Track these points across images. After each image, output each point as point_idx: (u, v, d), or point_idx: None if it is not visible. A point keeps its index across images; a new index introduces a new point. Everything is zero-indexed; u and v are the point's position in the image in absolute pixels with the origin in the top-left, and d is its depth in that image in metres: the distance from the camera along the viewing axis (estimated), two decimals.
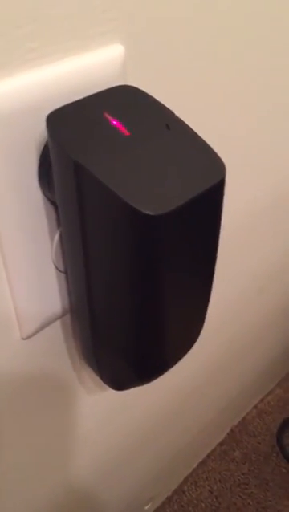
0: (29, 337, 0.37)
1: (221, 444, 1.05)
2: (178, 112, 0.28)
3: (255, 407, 1.13)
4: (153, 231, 0.24)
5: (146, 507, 0.89)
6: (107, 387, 0.39)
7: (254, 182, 0.57)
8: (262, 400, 1.15)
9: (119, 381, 0.37)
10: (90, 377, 0.47)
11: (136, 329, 0.30)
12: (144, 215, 0.22)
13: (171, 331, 0.31)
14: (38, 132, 0.28)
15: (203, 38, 0.37)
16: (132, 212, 0.23)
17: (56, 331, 0.40)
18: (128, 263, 0.26)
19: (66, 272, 0.35)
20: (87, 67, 0.29)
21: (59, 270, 0.35)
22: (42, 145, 0.28)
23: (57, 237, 0.33)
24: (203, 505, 0.96)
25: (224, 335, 0.75)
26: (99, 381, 0.39)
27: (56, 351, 0.41)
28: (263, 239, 0.68)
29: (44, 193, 0.30)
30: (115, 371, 0.35)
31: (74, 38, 0.28)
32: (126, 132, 0.26)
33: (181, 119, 0.28)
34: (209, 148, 0.27)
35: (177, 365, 0.36)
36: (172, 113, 0.28)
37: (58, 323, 0.39)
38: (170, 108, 0.28)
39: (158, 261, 0.26)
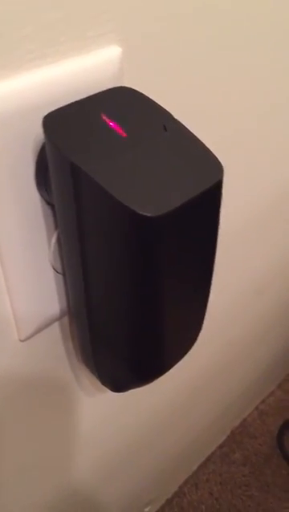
0: (27, 339, 0.37)
1: (221, 446, 1.05)
2: (175, 113, 0.28)
3: (256, 408, 1.13)
4: (151, 233, 0.24)
5: (146, 509, 0.89)
6: (106, 389, 0.38)
7: (253, 183, 0.57)
8: (262, 401, 1.15)
9: (117, 383, 0.37)
10: (88, 379, 0.47)
11: (135, 330, 0.30)
12: (142, 216, 0.22)
13: (169, 333, 0.31)
14: (35, 133, 0.28)
15: (201, 39, 0.37)
16: (129, 213, 0.23)
17: (54, 333, 0.40)
18: (125, 265, 0.26)
19: (63, 274, 0.35)
20: (84, 68, 0.29)
21: (57, 272, 0.35)
22: (39, 147, 0.28)
23: (54, 238, 0.33)
24: (203, 507, 0.96)
25: (224, 336, 0.75)
26: (98, 383, 0.39)
27: (54, 352, 0.41)
28: (261, 240, 0.68)
29: (41, 194, 0.30)
30: (113, 373, 0.35)
31: (71, 39, 0.28)
32: (123, 134, 0.26)
33: (178, 121, 0.28)
34: (207, 149, 0.27)
35: (176, 367, 0.36)
36: (169, 114, 0.28)
37: (56, 325, 0.39)
38: (167, 109, 0.28)
39: (156, 262, 0.26)
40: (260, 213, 0.62)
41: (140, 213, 0.23)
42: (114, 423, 0.59)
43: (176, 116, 0.28)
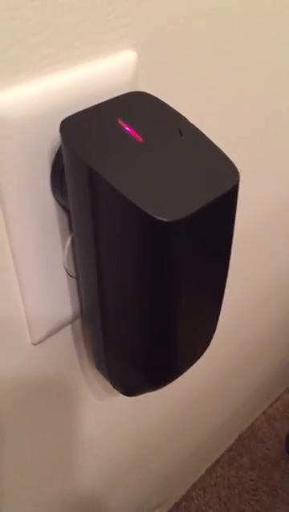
0: (39, 342, 0.37)
1: (229, 450, 1.05)
2: (191, 118, 0.28)
3: (264, 413, 1.12)
4: (167, 237, 0.24)
5: None
6: (117, 392, 0.38)
7: (264, 187, 0.57)
8: (270, 405, 1.14)
9: (129, 387, 0.36)
10: (99, 383, 0.47)
11: (148, 335, 0.30)
12: (159, 221, 0.22)
13: (183, 338, 0.31)
14: (52, 138, 0.28)
15: (215, 44, 0.37)
16: (146, 218, 0.23)
17: (66, 336, 0.40)
18: (141, 269, 0.26)
19: (77, 277, 0.35)
20: (99, 73, 0.29)
21: (70, 276, 0.35)
22: (55, 151, 0.28)
23: (68, 242, 0.33)
24: (211, 511, 0.96)
25: (233, 341, 0.75)
26: (109, 387, 0.39)
27: (66, 356, 0.41)
28: (271, 245, 0.68)
29: (56, 198, 0.30)
30: (125, 377, 0.35)
31: (87, 44, 0.28)
32: (139, 139, 0.26)
33: (193, 125, 0.28)
34: (223, 153, 0.27)
35: (186, 371, 0.35)
36: (185, 119, 0.28)
37: (68, 328, 0.39)
38: (183, 114, 0.28)
39: (171, 267, 0.26)
40: (269, 217, 0.62)
41: (157, 217, 0.23)
42: (123, 427, 0.59)
43: (191, 121, 0.28)
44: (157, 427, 0.68)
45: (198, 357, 0.35)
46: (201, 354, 0.35)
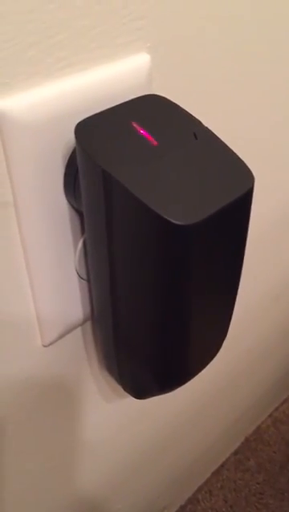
0: (50, 344, 0.37)
1: (235, 453, 1.04)
2: (205, 121, 0.28)
3: (270, 416, 1.12)
4: (182, 241, 0.24)
5: None
6: (125, 395, 0.38)
7: (274, 189, 0.57)
8: (277, 408, 1.13)
9: (140, 390, 0.36)
10: (108, 385, 0.47)
11: (160, 339, 0.30)
12: (174, 225, 0.22)
13: (195, 340, 0.31)
14: (66, 140, 0.28)
15: (229, 47, 0.37)
16: (161, 221, 0.23)
17: (76, 339, 0.40)
18: (154, 272, 0.26)
19: (88, 280, 0.35)
20: (113, 76, 0.29)
21: (82, 278, 0.35)
22: (69, 154, 0.28)
23: (80, 244, 0.33)
24: None
25: (241, 343, 0.75)
26: (118, 389, 0.39)
27: (76, 358, 0.41)
28: (281, 246, 0.68)
29: (69, 200, 0.30)
30: (136, 380, 0.35)
31: (102, 47, 0.28)
32: (154, 142, 0.26)
33: (208, 128, 0.27)
34: (237, 157, 0.26)
35: None
36: (199, 122, 0.28)
37: (78, 330, 0.39)
38: (197, 117, 0.28)
39: (185, 271, 0.26)
40: (279, 219, 0.62)
41: (172, 221, 0.23)
42: (131, 429, 0.58)
43: (205, 124, 0.28)
44: (164, 429, 0.68)
45: (210, 360, 0.35)
46: (213, 357, 0.35)
